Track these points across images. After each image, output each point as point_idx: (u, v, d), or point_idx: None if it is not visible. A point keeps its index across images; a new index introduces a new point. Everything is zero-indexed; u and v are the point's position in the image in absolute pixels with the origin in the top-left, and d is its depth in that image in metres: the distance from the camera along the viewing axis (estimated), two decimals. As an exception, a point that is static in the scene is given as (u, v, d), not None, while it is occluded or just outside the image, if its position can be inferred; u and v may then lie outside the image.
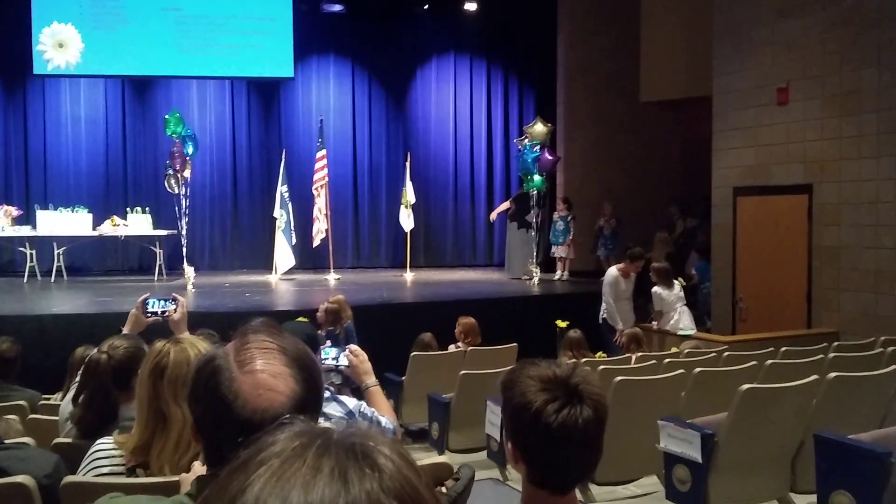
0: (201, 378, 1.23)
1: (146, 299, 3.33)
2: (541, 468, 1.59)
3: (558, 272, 12.50)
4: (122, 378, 2.58)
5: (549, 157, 11.66)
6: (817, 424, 4.01)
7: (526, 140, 11.75)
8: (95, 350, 2.73)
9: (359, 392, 3.04)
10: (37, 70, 12.54)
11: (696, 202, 12.72)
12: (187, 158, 10.69)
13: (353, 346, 2.83)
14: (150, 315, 3.30)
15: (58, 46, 12.44)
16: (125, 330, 3.26)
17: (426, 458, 4.30)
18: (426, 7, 13.85)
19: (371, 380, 2.82)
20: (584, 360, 6.24)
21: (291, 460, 0.63)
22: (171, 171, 10.75)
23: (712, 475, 3.85)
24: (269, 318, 1.46)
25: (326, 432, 0.68)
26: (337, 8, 13.54)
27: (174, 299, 3.34)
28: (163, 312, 3.28)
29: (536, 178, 11.57)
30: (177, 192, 10.85)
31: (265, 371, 1.20)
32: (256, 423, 1.12)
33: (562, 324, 8.07)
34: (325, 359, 2.79)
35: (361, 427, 0.71)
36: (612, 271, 8.56)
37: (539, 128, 11.67)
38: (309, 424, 0.71)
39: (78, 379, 2.77)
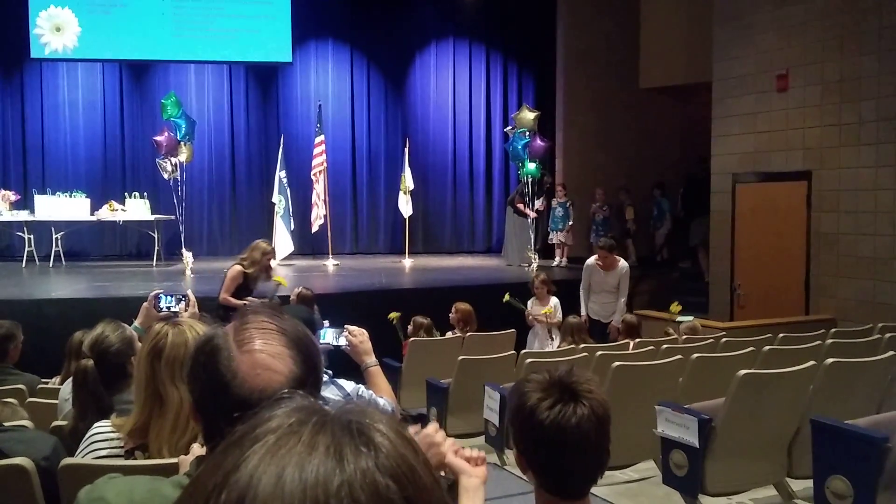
0: (200, 357, 1.23)
1: (158, 294, 3.36)
2: (543, 472, 1.58)
3: (557, 258, 12.49)
4: (114, 375, 2.58)
5: (541, 143, 11.68)
6: (814, 410, 4.02)
7: (513, 128, 11.74)
8: (82, 332, 2.70)
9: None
10: (34, 54, 12.47)
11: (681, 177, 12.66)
12: (180, 142, 10.65)
13: (352, 326, 2.75)
14: (161, 310, 3.32)
15: (55, 30, 12.37)
16: (136, 322, 3.28)
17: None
18: (425, -9, 13.78)
19: (371, 359, 2.67)
20: (583, 345, 6.25)
21: (287, 437, 0.62)
22: (160, 157, 10.75)
23: (709, 460, 3.87)
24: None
25: (323, 409, 0.67)
26: (336, -8, 13.47)
27: (185, 297, 3.38)
28: (175, 312, 3.27)
29: (530, 165, 11.56)
30: (167, 177, 10.84)
31: (264, 351, 1.20)
32: (254, 403, 1.11)
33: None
34: (323, 340, 2.74)
35: (359, 404, 0.70)
36: (590, 260, 8.44)
37: (526, 115, 11.67)
38: (307, 400, 0.70)
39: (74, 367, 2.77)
